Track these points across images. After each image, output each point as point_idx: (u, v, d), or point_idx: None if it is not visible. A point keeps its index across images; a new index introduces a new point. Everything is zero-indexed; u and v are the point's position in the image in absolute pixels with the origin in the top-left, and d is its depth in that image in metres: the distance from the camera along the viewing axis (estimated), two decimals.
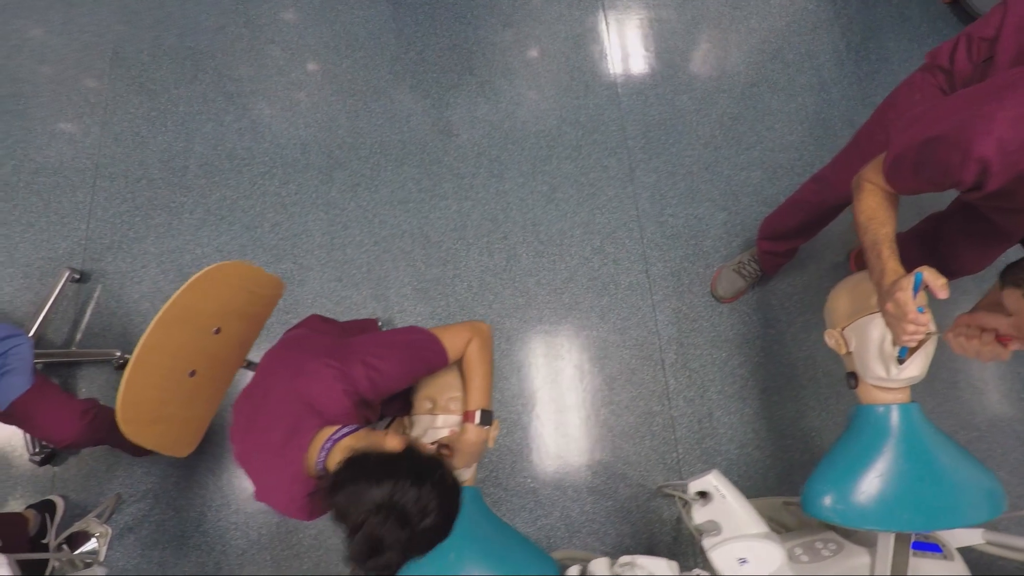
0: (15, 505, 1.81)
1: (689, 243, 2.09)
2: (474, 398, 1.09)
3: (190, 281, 1.07)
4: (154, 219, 2.10)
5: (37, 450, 1.81)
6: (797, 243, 1.85)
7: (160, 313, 1.04)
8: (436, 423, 1.11)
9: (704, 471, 1.13)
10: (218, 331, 1.16)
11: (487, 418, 1.09)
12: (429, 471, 0.84)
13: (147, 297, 2.02)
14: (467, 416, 1.09)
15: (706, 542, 1.11)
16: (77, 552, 1.72)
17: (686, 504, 1.25)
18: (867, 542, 1.33)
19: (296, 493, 0.96)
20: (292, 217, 2.10)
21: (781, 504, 1.78)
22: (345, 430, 0.94)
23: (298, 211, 2.11)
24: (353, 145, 2.19)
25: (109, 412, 1.58)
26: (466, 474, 1.15)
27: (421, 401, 1.14)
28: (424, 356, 1.05)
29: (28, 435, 1.81)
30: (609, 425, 1.90)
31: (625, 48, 2.34)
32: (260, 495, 1.00)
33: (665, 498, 1.85)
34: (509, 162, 2.18)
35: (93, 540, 1.79)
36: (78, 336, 1.98)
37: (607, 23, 2.38)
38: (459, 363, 1.14)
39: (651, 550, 1.81)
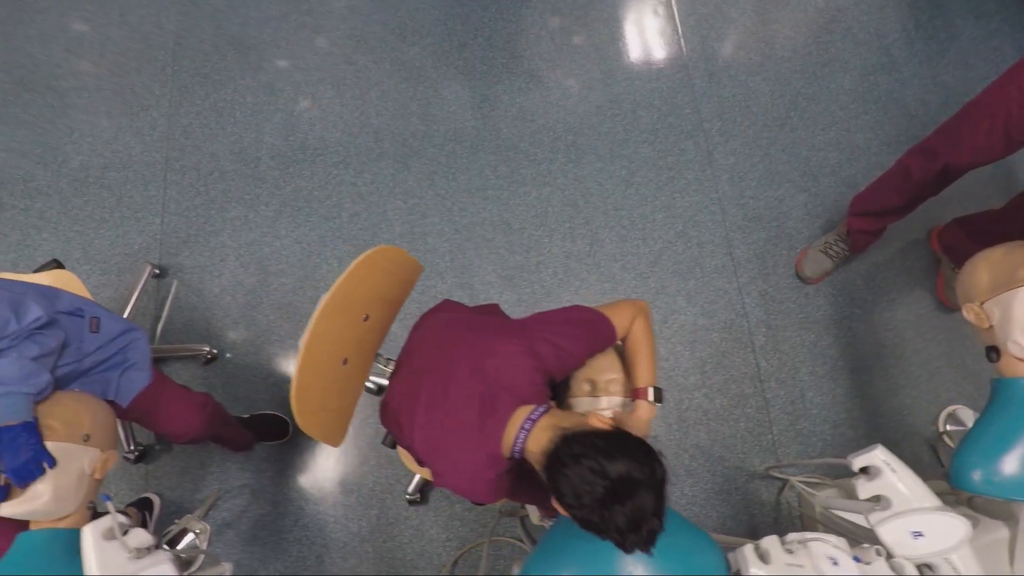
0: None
1: (771, 225, 2.08)
2: (644, 375, 1.08)
3: (352, 267, 1.04)
4: (229, 212, 2.07)
5: (131, 447, 1.78)
6: (893, 220, 1.85)
7: (325, 300, 1.01)
8: (600, 404, 1.10)
9: (869, 447, 1.13)
10: (367, 318, 1.14)
11: (659, 395, 1.07)
12: (646, 447, 0.84)
13: (228, 291, 1.98)
14: (639, 393, 1.07)
15: (873, 517, 1.10)
16: (179, 547, 1.71)
17: (786, 485, 1.24)
18: (1003, 515, 1.33)
19: (488, 473, 0.94)
20: (370, 207, 2.07)
21: None
22: (540, 409, 0.92)
23: (376, 201, 2.08)
24: (427, 133, 2.16)
25: (220, 407, 1.56)
26: None
27: (579, 383, 1.13)
28: (598, 334, 1.03)
29: (122, 432, 1.78)
30: (704, 408, 1.89)
31: (695, 30, 2.32)
32: (443, 479, 0.98)
33: (763, 479, 1.85)
34: (586, 147, 2.15)
35: (191, 535, 1.76)
36: (158, 332, 1.95)
37: (675, 4, 2.36)
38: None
39: (753, 531, 1.81)
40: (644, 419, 1.07)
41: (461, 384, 0.95)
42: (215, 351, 1.90)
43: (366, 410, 1.87)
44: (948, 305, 1.99)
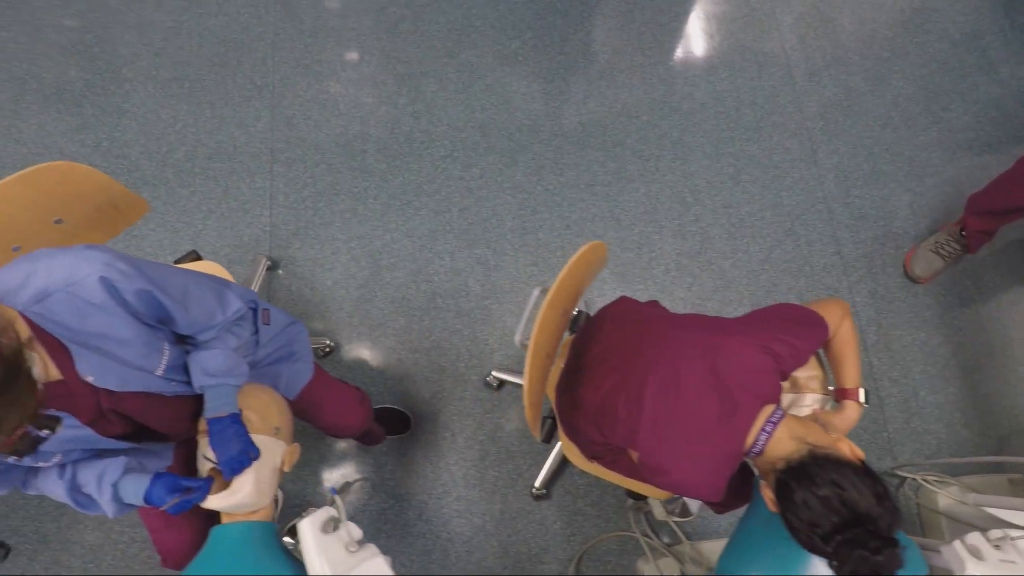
0: None
1: (878, 224, 2.09)
2: (853, 376, 1.08)
3: (571, 262, 1.04)
4: (338, 204, 2.06)
5: None
6: (1013, 219, 1.86)
7: (551, 294, 1.01)
8: (804, 402, 1.11)
9: None
10: (564, 313, 1.14)
11: (867, 396, 1.08)
12: (890, 496, 0.82)
13: (340, 284, 1.98)
14: (848, 394, 1.08)
15: None
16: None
17: (904, 482, 1.25)
18: None
19: (725, 471, 0.95)
20: (480, 201, 2.07)
21: (1006, 481, 1.79)
22: (780, 412, 0.93)
23: (485, 195, 2.07)
24: (532, 128, 2.16)
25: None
26: None
27: None
28: (816, 333, 1.04)
29: None
30: None
31: (793, 28, 2.32)
32: (671, 477, 0.97)
33: (886, 478, 1.86)
34: (692, 144, 2.16)
35: None
36: None
37: (774, 3, 2.36)
38: None
39: None
40: (853, 419, 1.08)
41: (694, 382, 0.95)
42: (332, 344, 1.90)
43: (485, 404, 1.87)
44: None
